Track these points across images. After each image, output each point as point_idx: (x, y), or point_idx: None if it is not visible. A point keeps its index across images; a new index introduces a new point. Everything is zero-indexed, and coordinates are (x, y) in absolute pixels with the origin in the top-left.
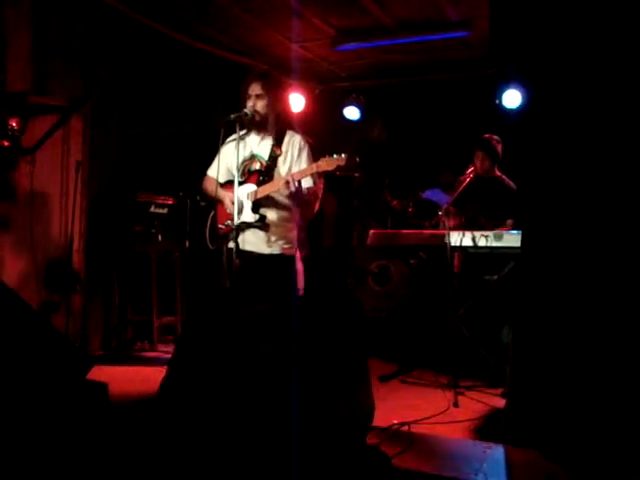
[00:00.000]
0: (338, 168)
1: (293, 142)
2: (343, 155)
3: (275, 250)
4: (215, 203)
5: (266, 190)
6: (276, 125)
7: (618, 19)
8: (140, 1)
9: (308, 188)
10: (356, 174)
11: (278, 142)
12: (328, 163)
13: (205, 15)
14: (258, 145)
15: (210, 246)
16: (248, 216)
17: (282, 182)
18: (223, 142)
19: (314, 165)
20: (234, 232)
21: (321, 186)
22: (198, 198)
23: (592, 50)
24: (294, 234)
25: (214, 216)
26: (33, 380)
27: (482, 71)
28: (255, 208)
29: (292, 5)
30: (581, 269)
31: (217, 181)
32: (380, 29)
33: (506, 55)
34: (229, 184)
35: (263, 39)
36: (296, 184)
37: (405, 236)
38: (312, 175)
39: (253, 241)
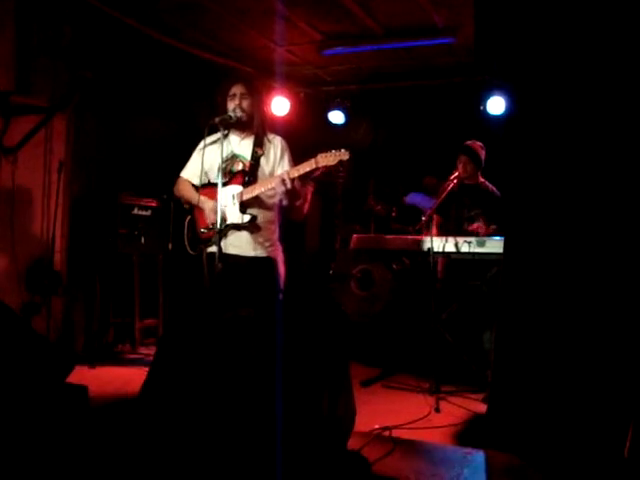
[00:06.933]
0: (341, 163)
1: (275, 143)
2: (343, 150)
3: (261, 252)
4: (192, 207)
5: (255, 190)
6: (259, 125)
7: (602, 26)
8: (124, 3)
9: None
10: (340, 180)
11: (258, 143)
12: (328, 158)
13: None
14: (239, 145)
15: (191, 252)
16: (236, 217)
17: (277, 179)
18: (204, 145)
19: (312, 161)
20: (217, 236)
21: (311, 189)
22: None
23: (576, 58)
24: (276, 235)
25: (191, 221)
26: (11, 383)
27: (468, 77)
28: (243, 209)
29: (278, 9)
30: (564, 275)
31: (192, 184)
32: (366, 34)
33: (491, 62)
34: (207, 187)
35: (249, 42)
36: (291, 182)
37: (388, 241)
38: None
39: (237, 244)
